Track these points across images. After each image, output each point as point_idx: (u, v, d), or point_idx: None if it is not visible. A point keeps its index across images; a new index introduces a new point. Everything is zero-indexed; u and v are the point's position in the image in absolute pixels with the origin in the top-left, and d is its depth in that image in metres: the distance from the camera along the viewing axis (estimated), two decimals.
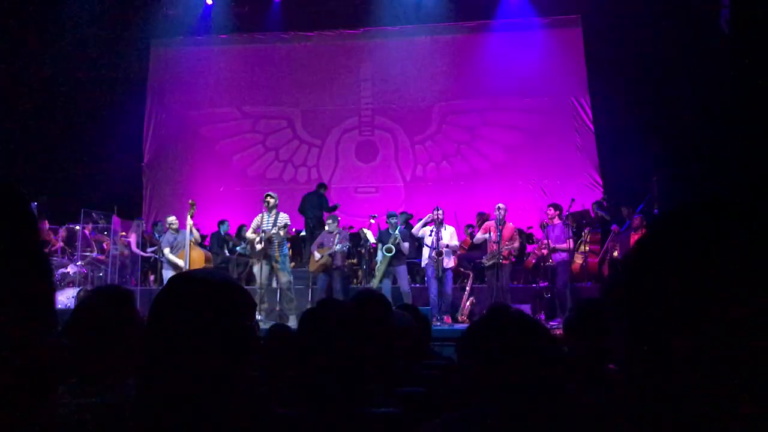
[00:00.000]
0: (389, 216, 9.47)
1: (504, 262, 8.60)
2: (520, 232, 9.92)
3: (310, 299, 9.75)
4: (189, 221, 8.90)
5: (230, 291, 1.18)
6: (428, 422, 1.27)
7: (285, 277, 8.80)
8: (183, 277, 1.23)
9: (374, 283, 9.07)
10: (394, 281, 9.14)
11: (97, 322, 1.78)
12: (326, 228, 9.45)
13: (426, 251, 9.01)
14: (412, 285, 10.56)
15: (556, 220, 9.01)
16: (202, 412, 1.07)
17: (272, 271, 8.80)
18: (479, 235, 9.02)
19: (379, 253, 9.21)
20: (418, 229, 9.18)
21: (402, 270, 9.14)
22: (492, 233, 8.71)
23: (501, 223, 8.71)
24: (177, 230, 9.13)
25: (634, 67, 11.79)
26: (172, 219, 9.25)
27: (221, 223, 11.67)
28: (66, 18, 12.44)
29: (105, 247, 10.59)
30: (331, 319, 1.82)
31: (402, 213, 11.40)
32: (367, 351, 1.86)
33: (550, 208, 9.18)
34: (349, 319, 1.84)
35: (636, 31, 11.68)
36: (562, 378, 1.29)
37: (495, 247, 8.57)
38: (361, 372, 1.75)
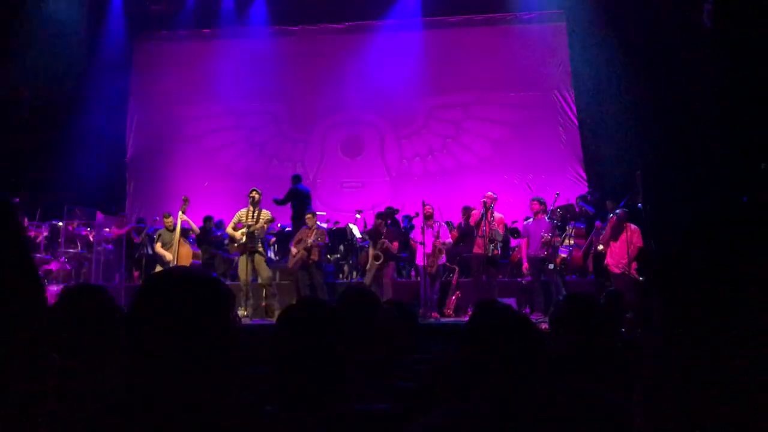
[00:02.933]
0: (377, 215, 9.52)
1: (495, 252, 8.63)
2: (505, 226, 9.93)
3: (296, 294, 9.73)
4: (182, 216, 8.91)
5: (207, 285, 1.17)
6: (418, 418, 1.27)
7: (266, 273, 8.80)
8: (159, 275, 1.23)
9: (366, 282, 9.09)
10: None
11: (73, 321, 1.77)
12: (306, 223, 9.42)
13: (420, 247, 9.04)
14: (398, 279, 10.57)
15: (541, 215, 9.00)
16: (187, 411, 1.06)
17: (254, 267, 8.79)
18: (475, 213, 8.93)
19: (371, 251, 9.23)
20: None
21: (389, 266, 9.17)
22: (480, 215, 8.66)
23: (490, 211, 8.66)
24: (172, 229, 9.17)
25: (617, 62, 11.87)
26: (169, 219, 9.31)
27: (207, 219, 11.62)
28: (49, 12, 12.31)
29: (90, 240, 10.51)
30: (310, 317, 1.81)
31: (387, 208, 11.39)
32: (352, 347, 1.86)
33: (535, 202, 9.12)
34: (329, 316, 1.83)
35: (620, 26, 11.76)
36: (549, 372, 1.30)
37: (481, 241, 8.57)
38: (343, 369, 1.75)
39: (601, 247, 8.99)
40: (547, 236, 8.75)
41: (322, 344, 1.73)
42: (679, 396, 0.59)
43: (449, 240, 9.13)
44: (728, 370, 0.56)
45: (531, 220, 9.16)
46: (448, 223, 10.81)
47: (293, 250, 9.21)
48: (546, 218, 8.98)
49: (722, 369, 0.56)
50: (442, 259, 8.98)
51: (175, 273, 1.20)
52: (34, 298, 0.91)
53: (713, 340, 0.57)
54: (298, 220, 10.88)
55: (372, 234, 9.43)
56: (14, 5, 12.00)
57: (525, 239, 9.02)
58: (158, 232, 9.44)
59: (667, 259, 0.65)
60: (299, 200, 10.83)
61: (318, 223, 9.70)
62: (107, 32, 13.41)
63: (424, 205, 9.10)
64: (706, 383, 0.57)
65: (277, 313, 8.41)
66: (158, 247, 9.10)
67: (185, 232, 9.03)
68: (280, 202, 10.91)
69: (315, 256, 9.12)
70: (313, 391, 1.67)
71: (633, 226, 8.72)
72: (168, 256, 8.86)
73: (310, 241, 9.02)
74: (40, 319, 0.90)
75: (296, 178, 11.37)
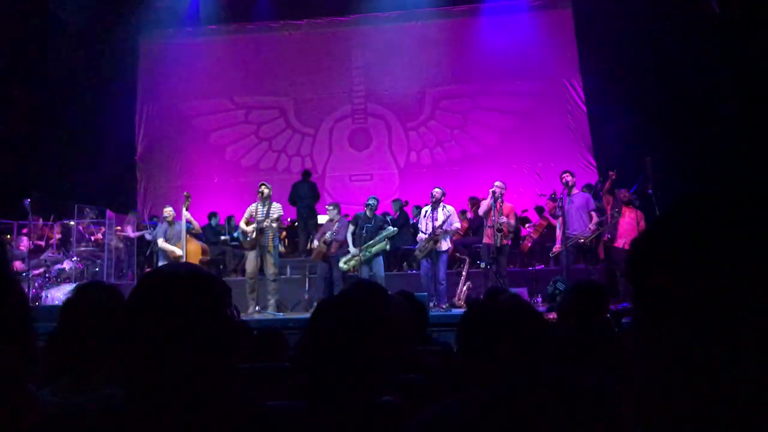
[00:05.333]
0: (369, 198, 9.34)
1: (504, 242, 8.52)
2: (515, 215, 9.88)
3: (307, 288, 9.76)
4: (185, 213, 8.90)
5: (202, 282, 1.17)
6: (425, 409, 1.28)
7: (272, 269, 8.79)
8: (154, 273, 1.23)
9: (348, 265, 9.00)
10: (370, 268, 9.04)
11: (84, 320, 1.78)
12: (327, 215, 9.46)
13: (421, 236, 8.92)
14: (408, 271, 10.56)
15: (576, 190, 8.65)
16: (187, 408, 1.07)
17: (263, 262, 8.81)
18: (484, 203, 8.83)
19: (349, 237, 9.11)
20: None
21: (379, 257, 9.09)
22: (489, 205, 8.53)
23: (499, 200, 8.55)
24: (172, 221, 9.12)
25: (625, 47, 11.77)
26: (168, 210, 9.26)
27: (212, 215, 11.70)
28: (55, 12, 12.36)
29: (100, 239, 10.59)
30: (348, 312, 1.82)
31: (396, 200, 11.39)
32: (371, 341, 1.87)
33: (567, 174, 8.66)
34: (362, 311, 1.84)
35: (626, 10, 11.65)
36: (554, 361, 1.30)
37: (491, 231, 8.50)
38: (368, 363, 1.76)
39: (608, 235, 8.92)
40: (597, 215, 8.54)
41: (356, 339, 1.74)
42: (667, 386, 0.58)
43: (455, 227, 8.94)
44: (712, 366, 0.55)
45: (558, 197, 8.66)
46: (461, 213, 10.77)
47: (315, 243, 9.28)
48: (581, 192, 8.71)
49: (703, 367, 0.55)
50: (446, 246, 8.79)
51: (170, 270, 1.20)
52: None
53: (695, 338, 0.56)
54: (298, 216, 11.01)
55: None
56: (20, 5, 12.04)
57: (560, 218, 8.54)
58: (160, 227, 9.40)
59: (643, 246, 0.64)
60: (297, 197, 10.94)
61: (320, 218, 9.73)
62: (113, 30, 13.43)
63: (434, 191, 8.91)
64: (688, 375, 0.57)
65: (270, 307, 8.51)
66: (161, 242, 9.08)
67: (188, 229, 9.02)
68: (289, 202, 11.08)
69: (334, 250, 9.10)
70: (334, 385, 1.68)
71: (638, 212, 8.64)
72: (177, 251, 8.87)
73: (326, 236, 9.02)
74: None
75: (302, 174, 11.42)
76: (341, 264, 9.10)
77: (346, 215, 11.56)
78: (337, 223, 9.17)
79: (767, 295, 0.53)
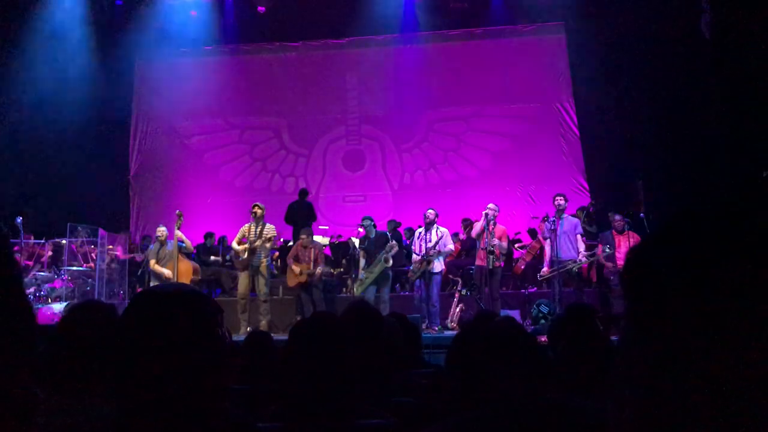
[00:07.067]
0: (364, 219, 9.35)
1: (496, 264, 8.53)
2: (507, 238, 9.88)
3: (297, 309, 9.72)
4: (177, 232, 8.86)
5: (193, 302, 1.18)
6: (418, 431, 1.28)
7: (264, 289, 8.76)
8: (145, 293, 1.23)
9: (358, 290, 8.99)
10: (377, 289, 9.04)
11: (79, 338, 1.78)
12: (301, 240, 9.38)
13: (414, 257, 8.94)
14: (402, 293, 10.54)
15: (566, 213, 8.66)
16: (182, 427, 1.07)
17: (255, 282, 8.77)
18: (476, 226, 8.80)
19: (362, 261, 9.12)
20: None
21: (387, 277, 9.06)
22: (482, 227, 8.54)
23: (492, 223, 8.59)
24: (164, 241, 9.06)
25: (617, 72, 11.89)
26: (161, 230, 9.20)
27: (208, 235, 11.65)
28: (51, 33, 12.42)
29: (92, 257, 10.52)
30: (322, 332, 1.82)
31: (390, 221, 11.39)
32: (358, 363, 1.87)
33: (560, 197, 8.70)
34: (340, 331, 1.84)
35: (619, 36, 11.80)
36: (545, 385, 1.30)
37: (483, 253, 8.50)
38: (350, 384, 1.76)
39: (604, 254, 8.93)
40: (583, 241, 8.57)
41: (332, 359, 1.73)
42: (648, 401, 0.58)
43: (449, 248, 8.96)
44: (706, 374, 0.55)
45: (550, 220, 8.73)
46: (454, 235, 10.77)
47: (294, 269, 9.16)
48: (571, 217, 8.79)
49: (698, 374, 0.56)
50: (439, 268, 8.79)
51: (161, 290, 1.21)
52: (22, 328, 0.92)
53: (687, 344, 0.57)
54: (293, 236, 10.94)
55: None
56: (17, 25, 12.10)
57: (548, 241, 8.66)
58: (152, 249, 9.32)
59: (638, 257, 0.64)
60: (293, 217, 10.86)
61: (314, 239, 9.65)
62: (109, 50, 13.48)
63: (427, 212, 8.94)
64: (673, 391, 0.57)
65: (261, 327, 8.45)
66: (153, 263, 9.00)
67: (180, 248, 8.95)
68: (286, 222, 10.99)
69: (317, 279, 9.08)
70: (319, 406, 1.67)
71: (633, 234, 8.67)
72: (166, 272, 8.80)
73: (318, 271, 8.99)
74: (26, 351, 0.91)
75: (299, 193, 11.40)
76: (356, 290, 9.10)
77: (340, 236, 11.57)
78: (312, 251, 9.14)
79: (767, 296, 0.54)
